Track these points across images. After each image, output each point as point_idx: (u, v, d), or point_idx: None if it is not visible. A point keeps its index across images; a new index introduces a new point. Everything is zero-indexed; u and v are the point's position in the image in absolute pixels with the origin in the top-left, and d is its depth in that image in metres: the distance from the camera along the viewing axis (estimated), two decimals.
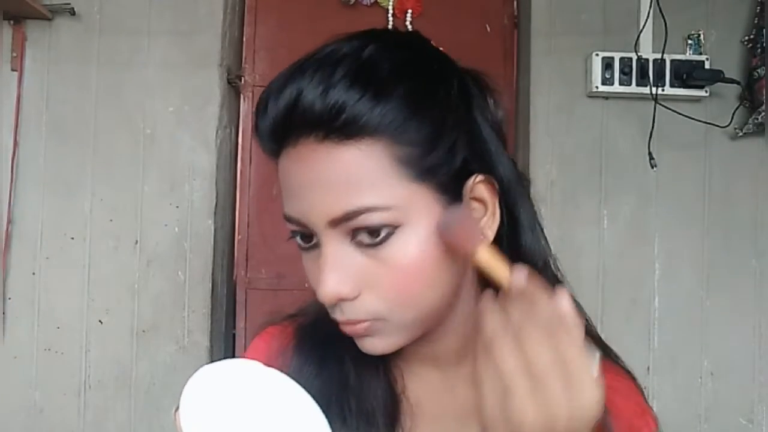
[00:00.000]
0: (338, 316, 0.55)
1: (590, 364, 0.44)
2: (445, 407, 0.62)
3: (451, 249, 0.53)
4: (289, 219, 0.55)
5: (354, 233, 0.52)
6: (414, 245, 0.52)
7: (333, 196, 0.51)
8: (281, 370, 0.54)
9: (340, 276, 0.52)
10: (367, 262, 0.52)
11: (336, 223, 0.51)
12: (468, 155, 0.54)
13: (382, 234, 0.51)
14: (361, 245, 0.52)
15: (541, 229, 0.62)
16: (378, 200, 0.51)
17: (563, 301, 0.45)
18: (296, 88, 0.50)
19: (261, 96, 0.54)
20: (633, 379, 0.65)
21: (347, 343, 0.58)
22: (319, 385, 0.60)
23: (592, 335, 0.64)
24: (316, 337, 0.63)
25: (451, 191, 0.54)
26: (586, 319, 0.64)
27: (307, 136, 0.51)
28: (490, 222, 0.56)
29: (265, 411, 0.49)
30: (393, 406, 0.61)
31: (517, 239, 0.59)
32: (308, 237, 0.54)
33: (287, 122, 0.51)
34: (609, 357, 0.65)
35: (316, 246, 0.54)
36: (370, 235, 0.51)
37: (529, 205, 0.61)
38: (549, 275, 0.61)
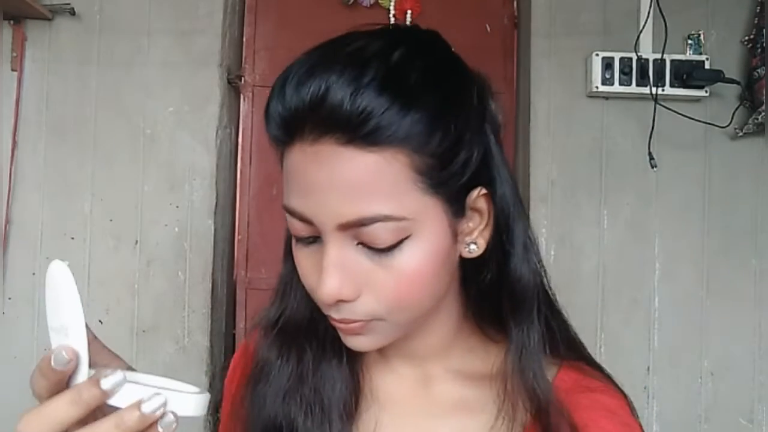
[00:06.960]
0: (333, 314, 0.54)
1: None
2: (420, 404, 0.62)
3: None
4: (291, 212, 0.53)
5: (361, 238, 0.51)
6: (420, 256, 0.52)
7: (349, 201, 0.49)
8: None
9: (343, 278, 0.51)
10: (371, 266, 0.52)
11: (347, 227, 0.50)
12: (477, 167, 0.54)
13: (391, 242, 0.51)
14: (366, 249, 0.51)
15: (536, 251, 0.61)
16: (393, 210, 0.50)
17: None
18: (323, 83, 0.47)
19: (280, 79, 0.51)
20: (623, 395, 0.63)
21: (309, 339, 0.60)
22: (279, 378, 0.61)
23: (578, 351, 0.63)
24: (279, 334, 0.63)
25: (458, 202, 0.54)
26: (570, 329, 0.64)
27: (329, 137, 0.48)
28: (484, 231, 0.57)
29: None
30: (352, 401, 0.61)
31: (507, 261, 0.59)
32: (308, 232, 0.53)
33: (310, 117, 0.49)
34: (600, 371, 0.63)
35: (316, 242, 0.53)
36: (378, 242, 0.51)
37: (523, 224, 0.60)
38: (540, 298, 0.60)
